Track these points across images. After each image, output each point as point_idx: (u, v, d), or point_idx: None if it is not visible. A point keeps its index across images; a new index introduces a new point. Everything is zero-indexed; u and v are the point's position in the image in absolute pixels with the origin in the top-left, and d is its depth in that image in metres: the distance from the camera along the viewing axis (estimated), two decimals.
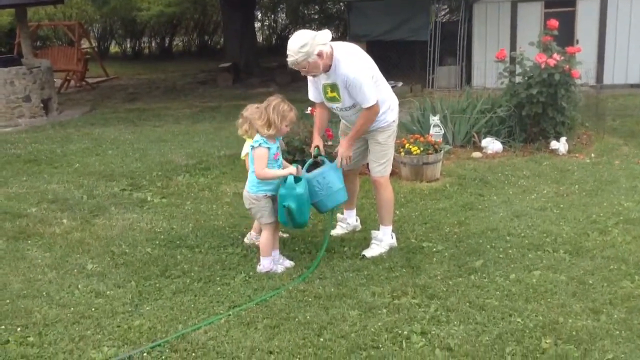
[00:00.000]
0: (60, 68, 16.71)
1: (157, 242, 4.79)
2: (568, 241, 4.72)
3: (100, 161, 7.61)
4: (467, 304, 3.77)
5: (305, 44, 4.10)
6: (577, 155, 7.43)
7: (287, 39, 18.65)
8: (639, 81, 12.72)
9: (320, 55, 4.14)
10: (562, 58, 7.47)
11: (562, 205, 5.55)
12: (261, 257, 4.26)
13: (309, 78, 4.45)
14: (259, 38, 24.57)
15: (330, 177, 4.38)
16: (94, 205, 5.79)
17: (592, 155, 7.42)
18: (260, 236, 4.31)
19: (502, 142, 7.77)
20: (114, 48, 26.71)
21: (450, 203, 5.75)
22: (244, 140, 4.70)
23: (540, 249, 4.59)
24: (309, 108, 6.38)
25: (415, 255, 4.53)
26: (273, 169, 4.15)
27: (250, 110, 4.55)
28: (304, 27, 25.50)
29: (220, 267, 4.30)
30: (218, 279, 4.11)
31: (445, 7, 16.79)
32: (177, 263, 4.37)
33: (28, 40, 12.52)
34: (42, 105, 11.77)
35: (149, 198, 6.02)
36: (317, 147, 4.56)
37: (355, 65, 4.22)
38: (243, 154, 4.65)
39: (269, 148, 4.09)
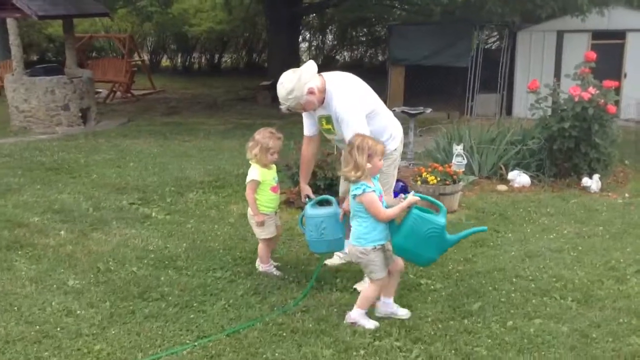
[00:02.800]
0: (109, 79, 17.18)
1: (146, 261, 4.69)
2: (579, 288, 4.38)
3: (119, 173, 7.63)
4: (453, 351, 3.50)
5: (291, 89, 3.98)
6: (609, 194, 7.02)
7: (333, 59, 18.52)
8: None
9: (311, 92, 4.01)
10: (598, 92, 7.10)
11: (580, 248, 5.19)
12: (355, 307, 3.81)
13: None
14: (306, 58, 24.68)
15: (329, 225, 4.15)
16: (97, 218, 5.76)
17: (626, 194, 6.99)
18: (365, 290, 3.89)
19: (531, 176, 7.43)
20: (165, 62, 27.31)
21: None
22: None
23: (546, 295, 4.27)
24: None
25: (410, 292, 4.28)
26: (392, 207, 3.71)
27: (263, 134, 4.40)
28: (351, 48, 25.62)
29: (201, 292, 4.16)
30: (196, 304, 3.96)
31: (495, 34, 16.45)
32: (159, 285, 4.25)
33: (72, 50, 12.83)
34: (80, 114, 12.02)
35: (153, 214, 5.96)
36: (308, 196, 4.39)
37: (345, 100, 4.05)
38: (248, 179, 4.47)
39: (373, 191, 3.66)
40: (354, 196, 3.66)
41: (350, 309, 3.83)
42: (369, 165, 3.60)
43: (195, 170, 7.91)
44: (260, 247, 4.51)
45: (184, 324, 3.71)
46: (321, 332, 3.64)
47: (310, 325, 3.72)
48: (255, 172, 4.38)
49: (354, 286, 4.32)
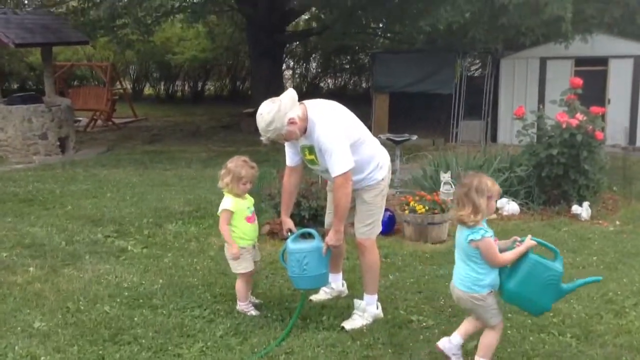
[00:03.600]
0: (90, 107, 16.92)
1: (119, 300, 4.39)
2: (577, 323, 4.17)
3: (95, 204, 7.35)
4: None
5: (271, 121, 3.77)
6: (600, 221, 6.87)
7: (317, 87, 18.49)
8: None
9: (292, 122, 3.81)
10: (585, 118, 7.00)
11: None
12: (477, 357, 3.50)
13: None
14: (290, 85, 24.62)
15: (311, 260, 3.95)
16: (69, 253, 5.46)
17: (617, 222, 6.84)
18: (485, 337, 3.52)
19: (519, 204, 7.27)
20: (148, 90, 27.12)
21: (452, 269, 5.20)
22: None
23: (544, 331, 4.05)
24: None
25: (401, 330, 4.04)
26: (507, 252, 3.40)
27: (236, 162, 4.20)
28: (334, 76, 25.60)
29: (178, 333, 3.87)
30: (171, 348, 3.68)
31: (478, 61, 16.51)
32: (132, 326, 3.95)
33: (51, 79, 12.62)
34: (58, 143, 11.74)
35: (129, 247, 5.67)
36: (290, 230, 4.17)
37: (328, 129, 3.85)
38: (220, 209, 4.25)
39: (491, 236, 3.36)
40: (471, 241, 3.35)
41: None
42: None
43: (175, 200, 7.65)
44: (239, 283, 4.24)
45: None
46: None
47: None
48: (228, 201, 4.14)
49: (342, 324, 4.07)
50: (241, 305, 4.23)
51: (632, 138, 12.10)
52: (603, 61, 12.17)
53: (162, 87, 26.41)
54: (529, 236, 3.42)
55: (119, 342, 3.74)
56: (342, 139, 3.87)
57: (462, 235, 3.41)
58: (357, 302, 4.22)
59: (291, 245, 4.03)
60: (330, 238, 3.98)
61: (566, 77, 12.12)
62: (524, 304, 3.48)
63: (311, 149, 3.99)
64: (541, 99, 12.23)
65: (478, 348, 3.51)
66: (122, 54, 19.84)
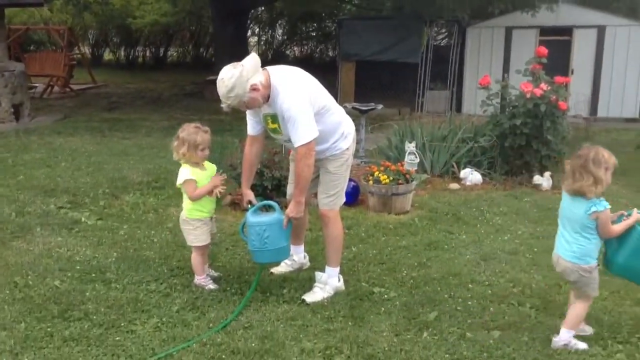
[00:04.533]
0: (47, 73, 16.32)
1: (70, 274, 4.21)
2: (537, 293, 4.18)
3: (48, 174, 7.07)
4: None
5: (232, 87, 3.59)
6: (561, 192, 6.89)
7: (283, 54, 18.22)
8: (634, 115, 12.25)
9: (254, 89, 3.64)
10: (550, 88, 6.98)
11: (536, 249, 5.01)
12: (563, 328, 3.48)
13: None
14: (255, 52, 24.19)
15: (272, 233, 3.84)
16: (19, 225, 5.22)
17: None
18: (575, 309, 3.51)
19: (482, 174, 7.27)
20: (107, 55, 26.36)
21: (414, 240, 5.21)
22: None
23: (504, 302, 4.04)
24: None
25: (362, 302, 3.98)
26: (617, 224, 3.39)
27: (188, 130, 4.02)
28: (301, 44, 25.24)
29: (132, 308, 3.73)
30: (124, 324, 3.53)
31: (444, 30, 16.43)
32: (84, 301, 3.79)
33: (4, 43, 12.05)
34: (12, 110, 11.30)
35: (83, 219, 5.46)
36: (250, 202, 4.04)
37: (292, 96, 3.69)
38: (179, 181, 4.08)
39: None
40: (593, 212, 3.30)
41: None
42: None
43: (133, 170, 7.42)
44: (194, 257, 4.11)
45: (109, 347, 3.29)
46: (265, 352, 3.30)
47: (254, 344, 3.37)
48: (187, 171, 3.98)
49: (303, 297, 3.99)
50: (199, 279, 4.11)
51: (593, 109, 12.23)
52: (567, 31, 12.20)
53: (123, 53, 25.73)
54: (635, 210, 3.43)
55: (68, 319, 3.57)
56: (306, 108, 3.73)
57: (580, 207, 3.37)
58: (318, 274, 4.14)
59: (251, 218, 3.91)
60: (291, 210, 3.87)
61: (531, 47, 12.19)
62: (634, 276, 3.52)
63: (274, 118, 3.84)
64: (506, 69, 12.26)
65: (566, 319, 3.52)
66: (80, 17, 19.11)
